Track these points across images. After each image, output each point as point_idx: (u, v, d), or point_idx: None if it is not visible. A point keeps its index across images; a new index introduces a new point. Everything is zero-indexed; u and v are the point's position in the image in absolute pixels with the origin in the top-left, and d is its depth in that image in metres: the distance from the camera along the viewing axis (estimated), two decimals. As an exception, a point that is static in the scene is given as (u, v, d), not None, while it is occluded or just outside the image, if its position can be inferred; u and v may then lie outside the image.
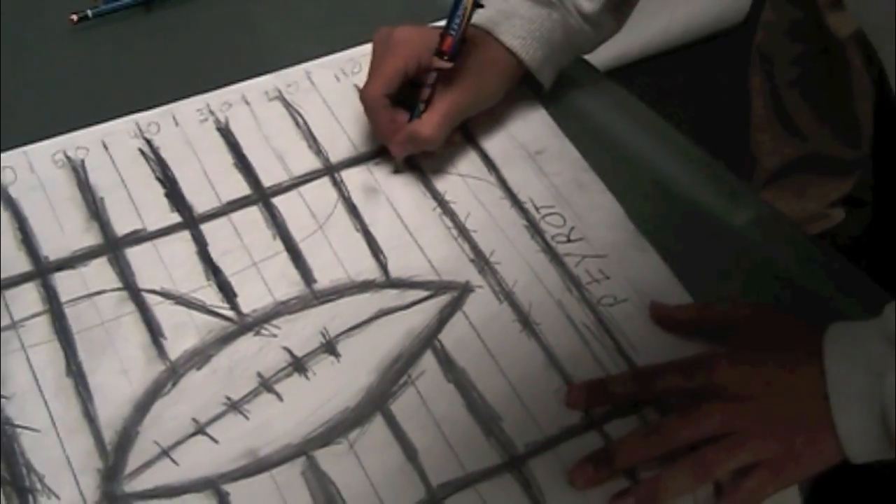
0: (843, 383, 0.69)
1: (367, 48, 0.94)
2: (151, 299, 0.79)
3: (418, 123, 0.84)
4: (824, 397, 0.69)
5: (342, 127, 0.90)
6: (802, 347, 0.72)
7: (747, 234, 0.85)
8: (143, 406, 0.73)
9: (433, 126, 0.83)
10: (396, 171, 0.87)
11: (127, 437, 0.72)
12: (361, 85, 0.91)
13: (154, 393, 0.74)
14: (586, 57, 0.96)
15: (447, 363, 0.76)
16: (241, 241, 0.82)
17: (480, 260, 0.82)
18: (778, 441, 0.70)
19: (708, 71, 2.16)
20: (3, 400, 0.73)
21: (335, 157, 0.88)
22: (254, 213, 0.84)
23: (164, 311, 0.78)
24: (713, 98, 2.11)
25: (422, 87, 0.84)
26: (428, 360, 0.76)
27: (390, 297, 0.79)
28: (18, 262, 0.80)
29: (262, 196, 0.85)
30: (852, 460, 0.69)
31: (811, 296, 0.81)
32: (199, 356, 0.76)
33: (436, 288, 0.80)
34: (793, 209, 1.66)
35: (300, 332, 0.77)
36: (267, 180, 0.86)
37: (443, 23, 0.82)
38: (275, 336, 0.77)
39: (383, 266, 0.81)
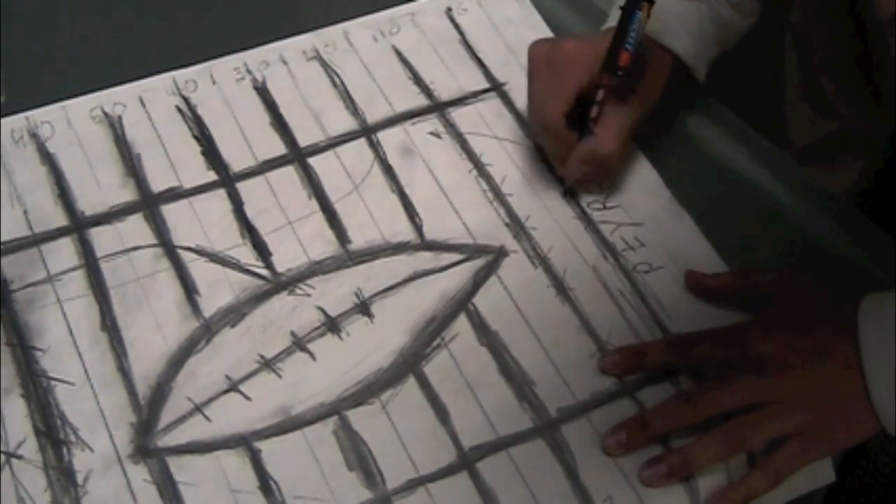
0: (877, 351, 0.68)
1: (406, 8, 0.94)
2: (186, 256, 0.79)
3: (596, 141, 0.80)
4: (859, 368, 0.69)
5: (379, 88, 0.89)
6: (837, 318, 0.71)
7: (781, 200, 0.84)
8: (177, 362, 0.74)
9: (612, 140, 0.79)
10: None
11: (160, 392, 0.72)
12: (399, 46, 0.91)
13: (188, 349, 0.74)
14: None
15: (481, 327, 0.76)
16: (277, 201, 0.82)
17: (516, 224, 0.82)
18: (811, 412, 0.69)
19: (741, 47, 2.13)
20: (38, 352, 0.74)
21: (372, 117, 0.87)
22: (290, 173, 0.84)
23: (199, 269, 0.78)
24: (745, 75, 2.09)
25: (591, 104, 0.80)
26: (461, 324, 0.76)
27: (425, 259, 0.79)
28: (55, 217, 0.80)
29: (298, 156, 0.85)
30: (889, 431, 0.68)
31: (841, 262, 0.81)
32: (234, 314, 0.76)
33: (471, 251, 0.80)
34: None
35: (334, 292, 0.77)
36: (303, 140, 0.86)
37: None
38: (309, 296, 0.77)
39: (418, 228, 0.81)
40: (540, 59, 0.81)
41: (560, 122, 0.79)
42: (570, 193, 0.83)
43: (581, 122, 0.81)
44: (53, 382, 0.72)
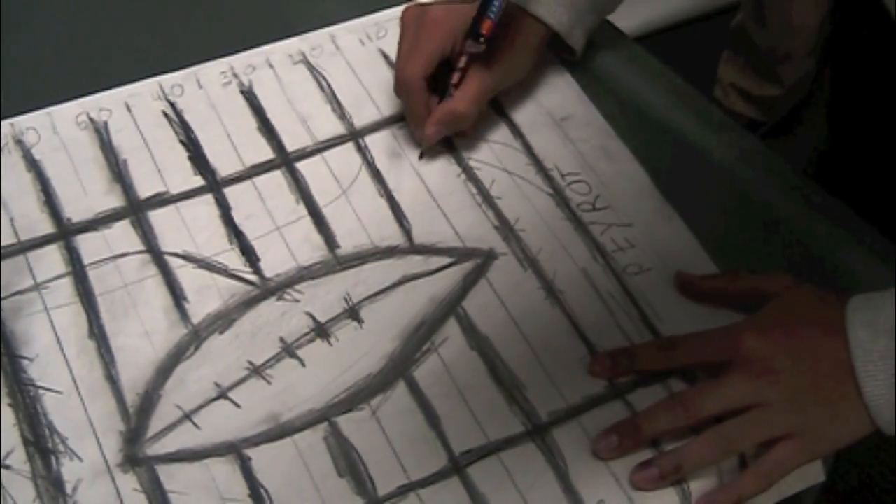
0: (867, 350, 0.68)
1: (393, 12, 0.94)
2: (174, 262, 0.78)
3: (452, 101, 0.82)
4: (850, 369, 0.68)
5: (367, 91, 0.89)
6: (827, 319, 0.71)
7: (771, 201, 0.84)
8: (165, 369, 0.73)
9: (467, 102, 0.82)
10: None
11: (149, 400, 0.72)
12: (386, 49, 0.91)
13: (176, 356, 0.74)
14: (614, 22, 0.95)
15: (470, 330, 0.76)
16: (265, 206, 0.82)
17: (505, 227, 0.81)
18: (803, 414, 0.69)
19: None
20: (25, 361, 0.73)
21: (359, 121, 0.87)
22: (277, 178, 0.83)
23: (187, 275, 0.78)
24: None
25: (452, 70, 0.82)
26: (451, 327, 0.76)
27: (414, 263, 0.79)
28: (41, 224, 0.80)
29: (285, 160, 0.84)
30: (884, 430, 0.68)
31: (833, 264, 0.81)
32: (222, 320, 0.76)
33: (460, 255, 0.80)
34: None
35: (323, 297, 0.77)
36: (291, 144, 0.85)
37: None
38: (297, 301, 0.77)
39: (407, 232, 0.81)
40: (409, 22, 0.84)
41: (418, 81, 0.82)
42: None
43: (443, 86, 0.83)
44: (41, 391, 0.72)
